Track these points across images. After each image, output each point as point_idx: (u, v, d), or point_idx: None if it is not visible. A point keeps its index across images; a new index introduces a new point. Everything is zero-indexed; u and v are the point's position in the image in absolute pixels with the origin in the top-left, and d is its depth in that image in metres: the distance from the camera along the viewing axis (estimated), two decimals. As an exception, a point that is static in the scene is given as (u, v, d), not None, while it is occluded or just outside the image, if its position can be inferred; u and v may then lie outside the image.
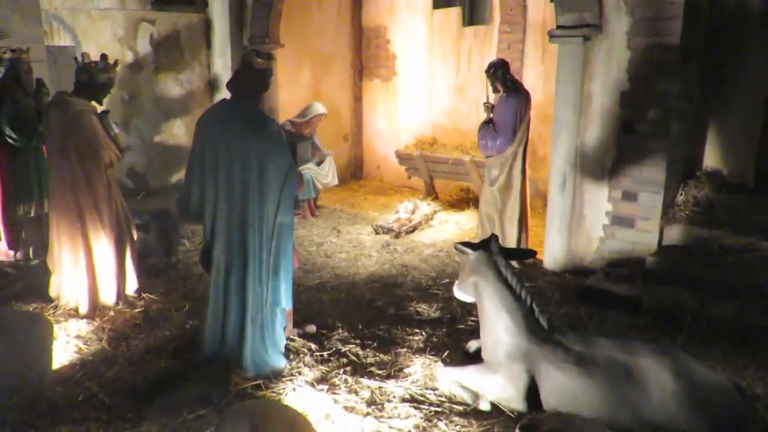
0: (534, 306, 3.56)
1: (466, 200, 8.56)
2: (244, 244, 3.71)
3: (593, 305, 4.91)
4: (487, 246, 3.70)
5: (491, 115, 5.78)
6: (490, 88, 5.77)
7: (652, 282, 5.00)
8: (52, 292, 4.97)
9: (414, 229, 7.20)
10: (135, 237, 5.09)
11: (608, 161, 5.43)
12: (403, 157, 8.65)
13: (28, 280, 5.45)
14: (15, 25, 14.85)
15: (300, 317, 4.67)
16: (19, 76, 5.81)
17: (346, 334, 4.52)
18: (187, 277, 5.60)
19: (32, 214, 5.92)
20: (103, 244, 4.78)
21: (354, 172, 10.26)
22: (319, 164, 7.80)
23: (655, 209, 5.28)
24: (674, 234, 5.32)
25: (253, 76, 3.65)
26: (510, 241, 5.86)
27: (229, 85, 3.70)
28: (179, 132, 8.48)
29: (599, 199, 5.52)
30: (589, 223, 5.61)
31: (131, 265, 5.02)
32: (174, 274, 5.68)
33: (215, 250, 3.78)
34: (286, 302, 3.87)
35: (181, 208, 3.82)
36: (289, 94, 8.73)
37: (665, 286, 4.90)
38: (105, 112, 4.77)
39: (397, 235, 6.95)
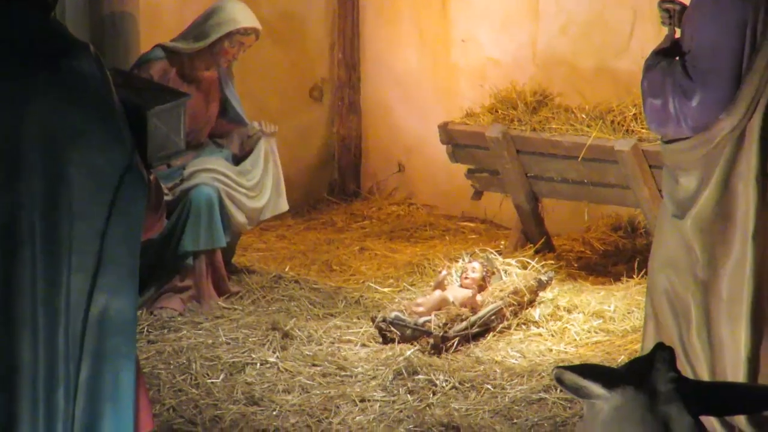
0: None
1: (625, 253, 5.16)
2: (11, 370, 2.12)
3: None
4: (648, 376, 2.00)
5: (677, 34, 3.60)
6: None
7: None
8: None
9: (486, 329, 4.41)
10: None
11: None
12: (459, 143, 5.00)
13: None
14: None
15: None
16: None
17: None
18: None
19: None
20: None
21: (339, 181, 6.29)
22: (239, 161, 4.76)
23: None
24: None
25: None
26: (731, 360, 3.60)
27: None
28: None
29: None
30: None
31: None
32: None
33: None
34: None
35: None
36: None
37: None
38: None
39: (437, 347, 4.26)
